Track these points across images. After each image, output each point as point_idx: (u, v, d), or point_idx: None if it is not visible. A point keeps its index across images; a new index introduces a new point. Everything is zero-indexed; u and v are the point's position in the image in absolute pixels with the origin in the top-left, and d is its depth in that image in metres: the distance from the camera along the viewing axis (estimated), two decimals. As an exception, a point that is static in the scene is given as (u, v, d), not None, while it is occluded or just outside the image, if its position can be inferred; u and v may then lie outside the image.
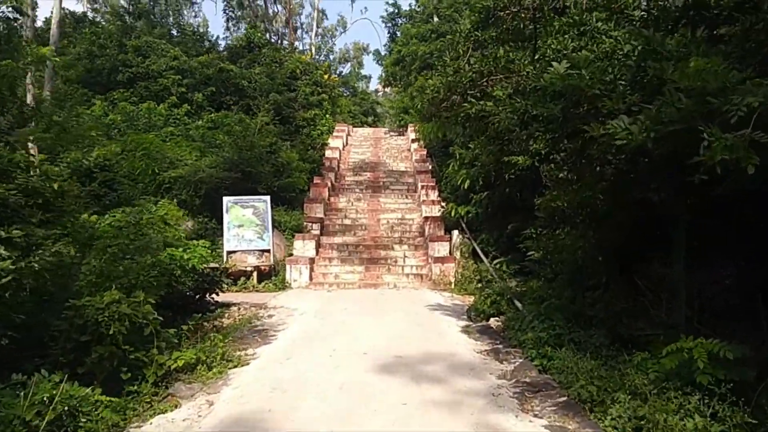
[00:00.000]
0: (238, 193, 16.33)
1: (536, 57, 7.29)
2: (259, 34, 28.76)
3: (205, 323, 10.18)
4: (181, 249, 10.23)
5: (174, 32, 32.49)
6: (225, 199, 15.87)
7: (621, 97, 5.27)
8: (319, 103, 27.23)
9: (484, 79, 7.86)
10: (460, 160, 15.49)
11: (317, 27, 52.91)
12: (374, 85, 56.41)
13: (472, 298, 13.03)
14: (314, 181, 19.91)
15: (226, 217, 15.72)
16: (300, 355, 7.53)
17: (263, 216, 15.87)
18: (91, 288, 6.63)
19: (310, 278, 15.00)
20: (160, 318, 6.70)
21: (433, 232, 16.77)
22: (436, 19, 28.16)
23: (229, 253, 15.48)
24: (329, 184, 20.10)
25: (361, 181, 21.86)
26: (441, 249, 15.79)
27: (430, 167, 21.78)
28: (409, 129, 27.13)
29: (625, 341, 6.89)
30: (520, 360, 7.25)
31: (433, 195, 19.14)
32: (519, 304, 9.52)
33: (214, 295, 11.41)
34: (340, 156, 24.10)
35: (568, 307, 8.04)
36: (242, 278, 14.68)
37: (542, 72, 6.19)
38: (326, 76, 30.78)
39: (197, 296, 11.22)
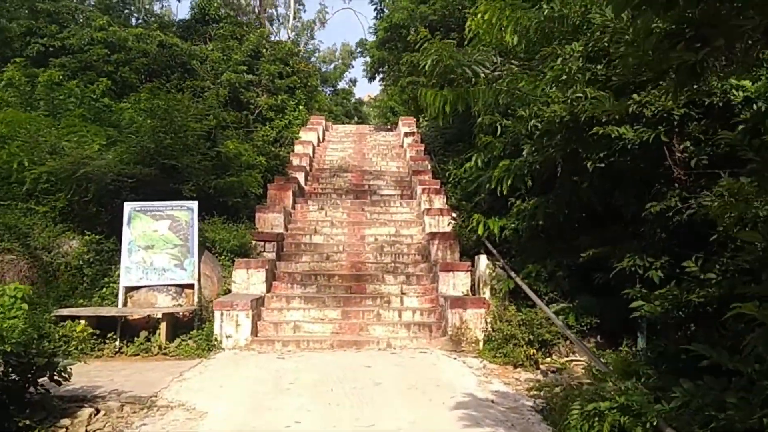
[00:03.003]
0: (155, 197, 10.79)
1: None
2: (215, 5, 23.16)
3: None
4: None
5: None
6: (126, 205, 10.31)
7: None
8: (289, 89, 21.75)
9: None
10: (487, 151, 10.04)
11: (293, 20, 47.54)
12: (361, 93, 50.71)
13: (524, 376, 7.67)
14: (274, 183, 14.39)
15: (126, 233, 10.14)
16: None
17: (186, 231, 10.33)
18: None
19: (254, 331, 9.44)
20: None
21: (444, 256, 11.35)
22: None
23: (129, 290, 9.91)
24: (295, 186, 14.59)
25: (340, 185, 16.41)
26: (458, 283, 10.35)
27: (430, 167, 16.42)
28: (401, 123, 21.85)
29: None
30: None
31: (439, 201, 13.73)
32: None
33: (54, 382, 5.94)
34: (313, 153, 18.63)
35: None
36: (144, 332, 9.12)
37: None
38: (301, 65, 25.34)
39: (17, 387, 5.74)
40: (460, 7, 15.21)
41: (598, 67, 7.16)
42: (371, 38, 31.86)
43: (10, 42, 18.63)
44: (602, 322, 8.35)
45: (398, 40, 23.02)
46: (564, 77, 7.04)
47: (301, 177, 15.76)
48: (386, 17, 23.45)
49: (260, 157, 14.92)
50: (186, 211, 10.46)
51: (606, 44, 6.84)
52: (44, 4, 19.18)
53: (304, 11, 51.98)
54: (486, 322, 9.21)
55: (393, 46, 23.97)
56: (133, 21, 23.92)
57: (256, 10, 41.60)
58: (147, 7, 35.56)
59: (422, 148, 18.13)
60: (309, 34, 47.44)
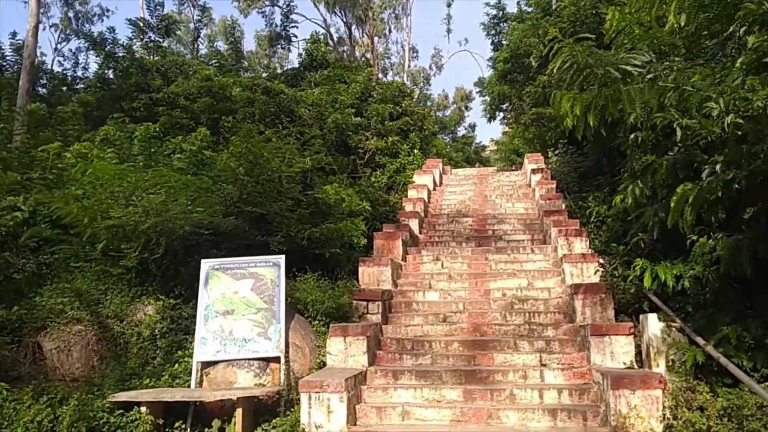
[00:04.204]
0: (240, 252, 9.21)
1: None
2: (323, 49, 22.23)
3: None
4: None
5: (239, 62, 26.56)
6: (204, 263, 8.73)
7: None
8: (401, 131, 20.14)
9: None
10: (646, 177, 7.55)
11: (408, 67, 46.72)
12: (482, 137, 48.64)
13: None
14: (382, 231, 12.51)
15: (203, 296, 8.52)
16: None
17: (271, 292, 8.56)
18: None
19: (351, 419, 7.35)
20: None
21: (593, 315, 8.83)
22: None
23: (205, 365, 8.22)
24: (407, 235, 12.62)
25: (459, 231, 14.28)
26: (617, 352, 7.79)
27: (564, 206, 13.94)
28: (527, 160, 19.52)
29: None
30: None
31: (580, 245, 11.21)
32: None
33: None
34: (428, 197, 16.69)
35: None
36: (217, 421, 7.32)
37: None
38: (415, 108, 23.81)
39: None
40: (593, 11, 12.88)
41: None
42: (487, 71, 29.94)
43: (120, 99, 18.42)
44: None
45: (519, 71, 20.94)
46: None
47: (414, 224, 13.81)
48: (506, 46, 21.44)
49: (365, 203, 13.12)
50: (272, 268, 8.72)
51: None
52: (151, 59, 18.97)
53: (417, 58, 50.98)
54: (664, 408, 6.61)
55: (514, 78, 21.88)
56: (242, 74, 23.47)
57: (370, 62, 41.07)
58: (265, 63, 36.01)
59: (553, 186, 15.67)
60: (424, 80, 46.33)
